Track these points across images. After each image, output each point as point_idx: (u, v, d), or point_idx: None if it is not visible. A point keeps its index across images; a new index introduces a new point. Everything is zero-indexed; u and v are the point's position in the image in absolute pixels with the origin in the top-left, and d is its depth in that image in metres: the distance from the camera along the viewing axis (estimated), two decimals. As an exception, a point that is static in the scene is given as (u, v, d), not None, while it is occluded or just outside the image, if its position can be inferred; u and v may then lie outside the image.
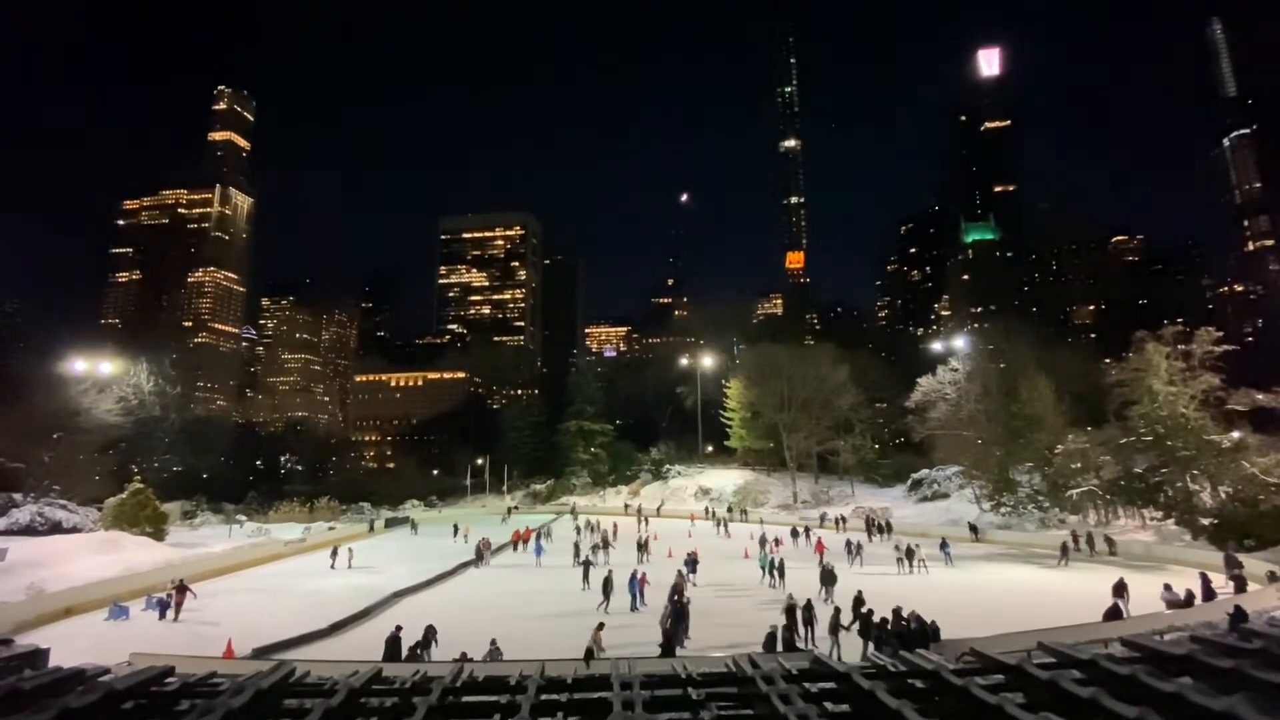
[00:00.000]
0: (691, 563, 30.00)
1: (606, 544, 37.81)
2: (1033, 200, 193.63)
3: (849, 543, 36.06)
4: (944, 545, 35.10)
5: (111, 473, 50.99)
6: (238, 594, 28.58)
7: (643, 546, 36.68)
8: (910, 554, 31.53)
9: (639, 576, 25.41)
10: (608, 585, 24.85)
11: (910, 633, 16.46)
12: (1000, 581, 30.22)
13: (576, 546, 35.70)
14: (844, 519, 53.10)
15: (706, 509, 63.60)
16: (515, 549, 41.44)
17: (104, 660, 8.71)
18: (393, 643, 17.30)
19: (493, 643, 16.94)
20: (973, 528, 44.23)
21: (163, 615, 23.57)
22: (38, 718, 4.05)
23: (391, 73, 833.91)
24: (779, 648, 16.66)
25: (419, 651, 17.23)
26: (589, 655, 15.47)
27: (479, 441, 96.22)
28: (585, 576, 28.54)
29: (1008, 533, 44.06)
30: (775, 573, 28.50)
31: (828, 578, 25.63)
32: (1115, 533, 39.55)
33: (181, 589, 24.47)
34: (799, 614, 19.37)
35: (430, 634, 17.83)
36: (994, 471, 48.38)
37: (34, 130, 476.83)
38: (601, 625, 18.38)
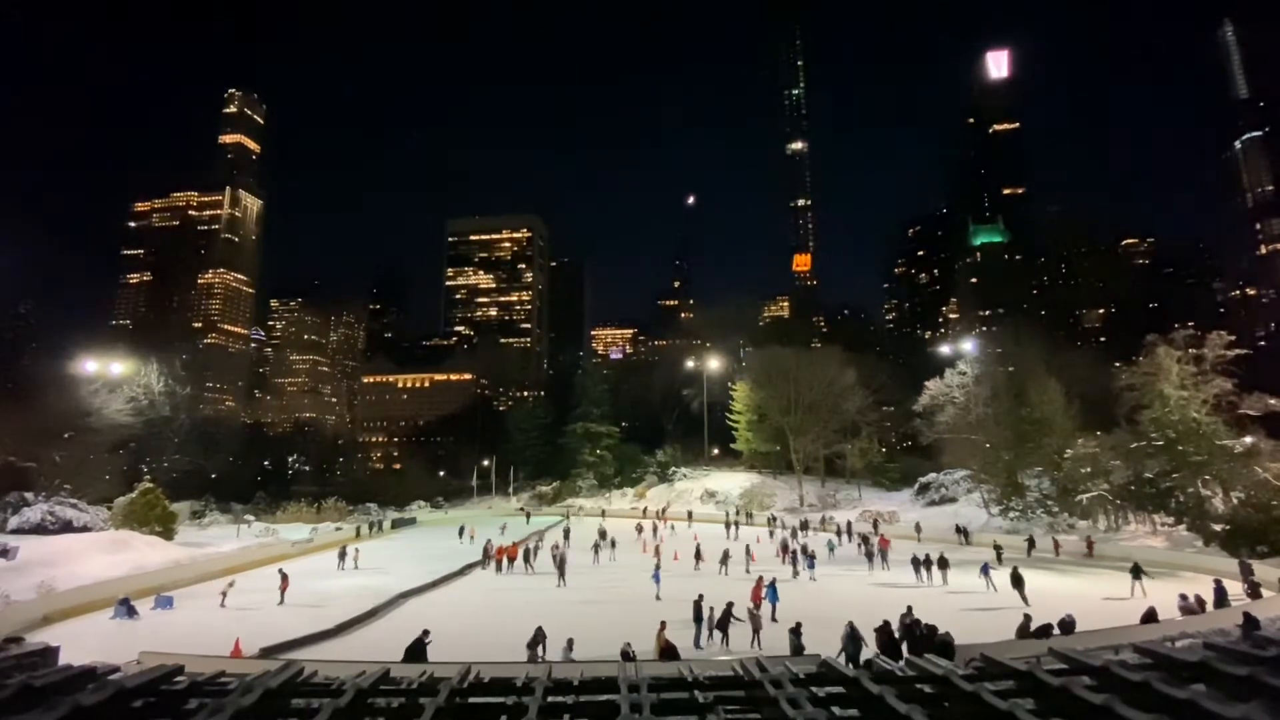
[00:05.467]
0: (809, 557, 32.24)
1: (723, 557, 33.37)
2: (1042, 202, 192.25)
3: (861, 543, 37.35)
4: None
5: (121, 472, 51.40)
6: (246, 593, 28.66)
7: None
8: (865, 540, 37.85)
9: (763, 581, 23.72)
10: (562, 563, 30.74)
11: (922, 638, 16.25)
12: (1007, 586, 29.91)
13: (562, 560, 31.57)
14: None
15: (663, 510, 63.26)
16: (499, 568, 34.59)
17: (113, 659, 8.78)
18: (414, 650, 15.73)
19: (569, 642, 16.50)
20: (960, 530, 43.91)
21: (129, 615, 23.67)
22: (50, 715, 4.08)
23: (401, 76, 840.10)
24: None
25: (530, 651, 16.48)
26: (625, 655, 14.37)
27: (485, 443, 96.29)
28: (561, 574, 30.46)
29: (1015, 538, 43.60)
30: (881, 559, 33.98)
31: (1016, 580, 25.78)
32: (1125, 538, 39.21)
33: (284, 577, 27.57)
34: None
35: (540, 635, 16.94)
36: (1002, 475, 47.96)
37: (46, 134, 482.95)
38: (664, 625, 16.92)
